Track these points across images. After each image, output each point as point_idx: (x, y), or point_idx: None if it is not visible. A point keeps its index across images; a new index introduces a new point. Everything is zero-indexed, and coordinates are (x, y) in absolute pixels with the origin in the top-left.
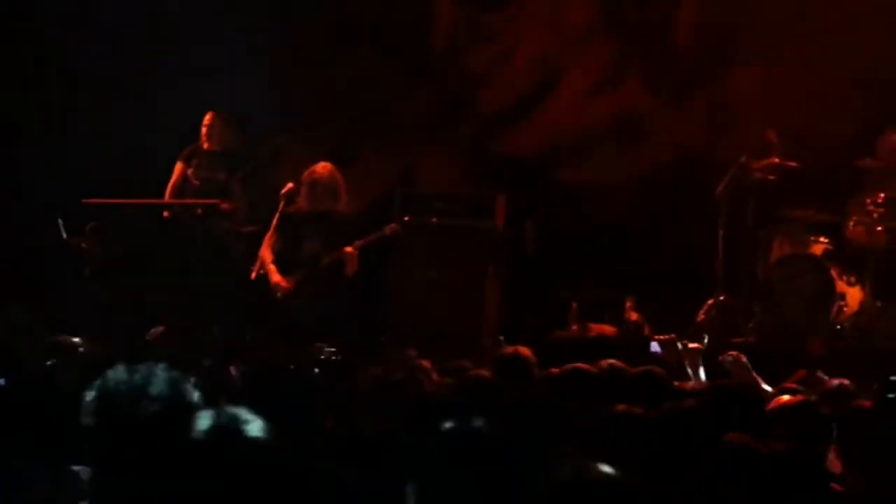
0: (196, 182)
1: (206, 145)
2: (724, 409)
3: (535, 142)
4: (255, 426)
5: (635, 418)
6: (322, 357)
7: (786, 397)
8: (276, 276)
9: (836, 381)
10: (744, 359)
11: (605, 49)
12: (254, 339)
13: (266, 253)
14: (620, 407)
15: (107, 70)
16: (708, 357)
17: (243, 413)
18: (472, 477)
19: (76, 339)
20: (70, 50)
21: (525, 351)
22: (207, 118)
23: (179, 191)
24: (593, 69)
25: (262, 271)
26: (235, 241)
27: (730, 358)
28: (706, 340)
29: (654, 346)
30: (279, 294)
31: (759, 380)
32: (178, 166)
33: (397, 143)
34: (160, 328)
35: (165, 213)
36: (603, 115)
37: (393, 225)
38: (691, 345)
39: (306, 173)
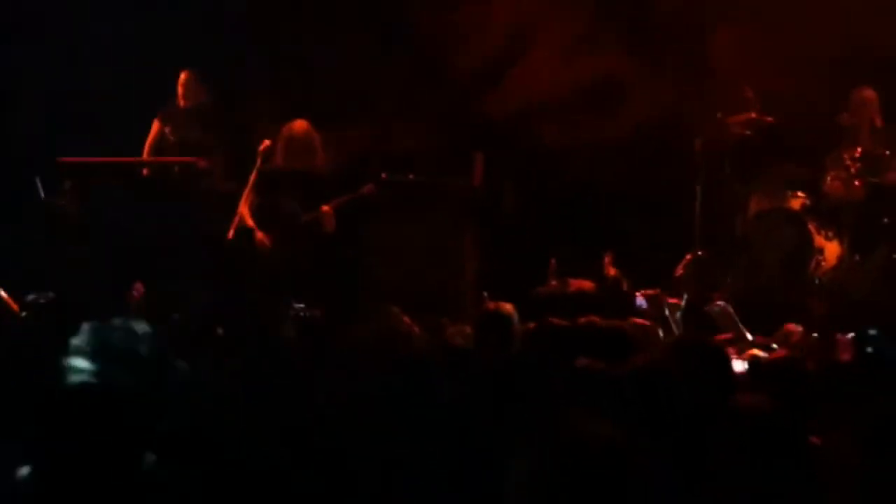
0: (172, 140)
1: (181, 103)
2: (688, 366)
3: (513, 103)
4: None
5: (599, 373)
6: (296, 315)
7: (766, 355)
8: (258, 234)
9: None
10: (730, 309)
11: (582, 9)
12: (233, 297)
13: (244, 210)
14: (582, 362)
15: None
16: (688, 311)
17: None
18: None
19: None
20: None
21: (507, 307)
22: (183, 76)
23: (157, 149)
24: (569, 29)
25: (241, 227)
26: (213, 199)
27: (716, 308)
28: (685, 297)
29: (640, 301)
30: (263, 248)
31: (745, 330)
32: (155, 125)
33: (374, 106)
34: (139, 286)
35: (144, 171)
36: (580, 75)
37: (370, 185)
38: (671, 300)
39: (283, 130)
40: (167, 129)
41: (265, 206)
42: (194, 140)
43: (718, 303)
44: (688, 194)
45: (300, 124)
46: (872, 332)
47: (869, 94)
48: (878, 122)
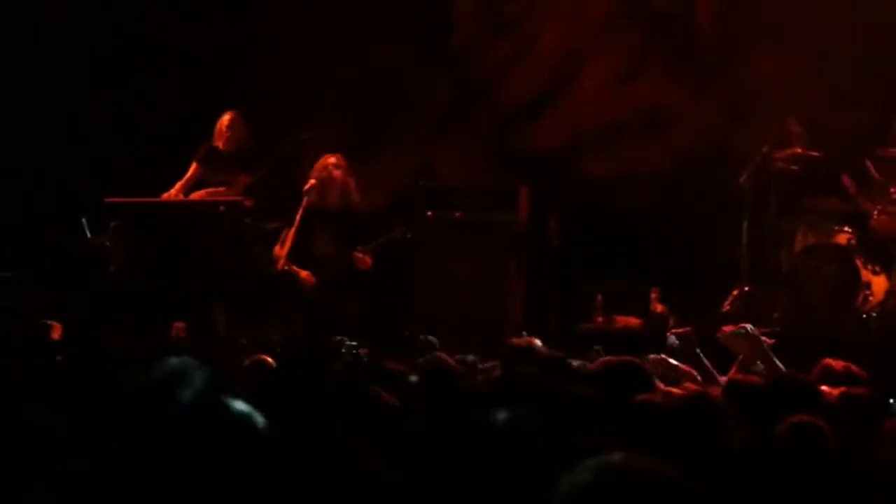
0: (211, 181)
1: (221, 145)
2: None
3: (557, 134)
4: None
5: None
6: (345, 351)
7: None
8: (302, 273)
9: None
10: (756, 331)
11: (627, 39)
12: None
13: (281, 249)
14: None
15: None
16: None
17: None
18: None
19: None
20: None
21: (536, 343)
22: (227, 118)
23: (191, 189)
24: (615, 59)
25: (285, 268)
26: (258, 238)
27: (742, 330)
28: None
29: (672, 339)
30: (305, 288)
31: (775, 359)
32: (194, 165)
33: (418, 136)
34: (181, 324)
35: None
36: (625, 105)
37: (402, 228)
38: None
39: (317, 168)
40: (206, 170)
41: (301, 245)
42: (234, 183)
43: (745, 325)
44: (734, 229)
45: (335, 162)
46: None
47: None
48: None
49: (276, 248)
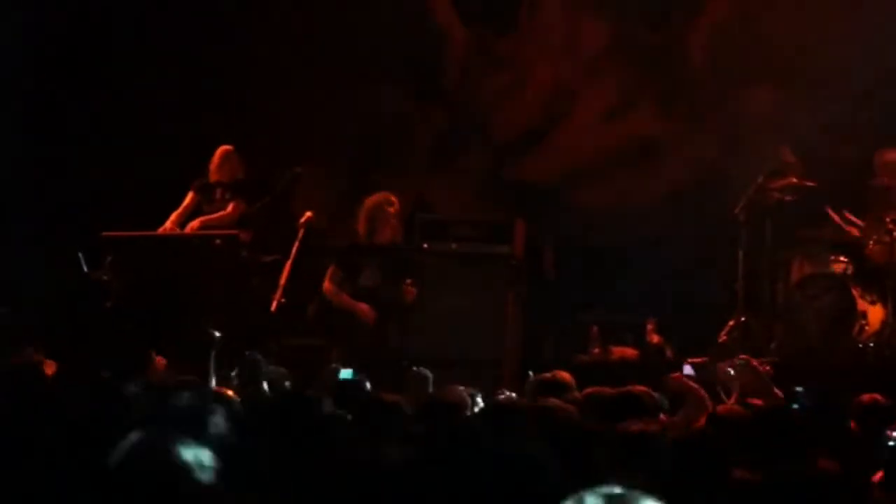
0: (207, 212)
1: (218, 177)
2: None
3: (551, 167)
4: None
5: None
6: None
7: None
8: (363, 305)
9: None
10: (755, 362)
11: (619, 73)
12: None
13: (328, 283)
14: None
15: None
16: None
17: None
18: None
19: None
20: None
21: (565, 375)
22: (221, 152)
23: (187, 220)
24: (608, 93)
25: (282, 301)
26: (255, 271)
27: (740, 362)
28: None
29: (687, 370)
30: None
31: (775, 388)
32: (190, 195)
33: (412, 169)
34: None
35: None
36: (618, 138)
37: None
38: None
39: (371, 202)
40: (203, 200)
41: (347, 280)
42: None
43: (742, 356)
44: (730, 259)
45: (388, 196)
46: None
47: (893, 156)
48: None
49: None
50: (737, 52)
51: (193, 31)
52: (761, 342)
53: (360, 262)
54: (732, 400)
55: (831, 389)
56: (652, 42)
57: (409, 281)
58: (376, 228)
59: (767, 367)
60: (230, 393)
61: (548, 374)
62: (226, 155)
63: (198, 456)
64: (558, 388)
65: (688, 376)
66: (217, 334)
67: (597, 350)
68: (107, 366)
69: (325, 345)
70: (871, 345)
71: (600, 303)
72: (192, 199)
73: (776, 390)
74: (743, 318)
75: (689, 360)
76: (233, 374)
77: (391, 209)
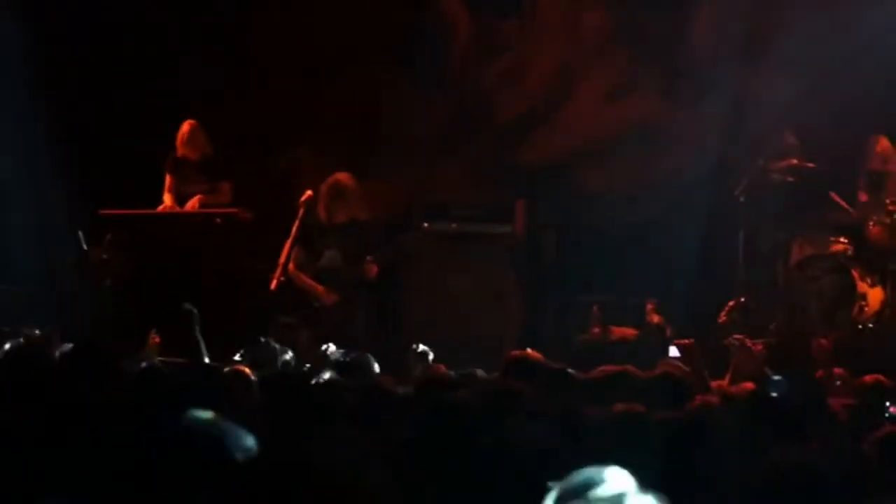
0: (184, 193)
1: (184, 152)
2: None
3: (553, 149)
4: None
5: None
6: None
7: None
8: (319, 287)
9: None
10: (748, 342)
11: (621, 55)
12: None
13: (291, 264)
14: (619, 407)
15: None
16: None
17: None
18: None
19: None
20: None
21: (534, 355)
22: (186, 127)
23: (175, 199)
24: (609, 75)
25: (282, 279)
26: (254, 250)
27: (735, 342)
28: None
29: (673, 351)
30: (325, 304)
31: (768, 370)
32: (168, 178)
33: (415, 153)
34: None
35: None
36: (620, 120)
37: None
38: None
39: (327, 184)
40: (177, 180)
41: (307, 259)
42: (203, 191)
43: (737, 336)
44: (730, 240)
45: (343, 177)
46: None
47: (884, 142)
48: None
49: (282, 258)
50: (738, 35)
51: (189, 11)
52: (761, 323)
53: (321, 245)
54: (726, 381)
55: (810, 375)
56: (653, 26)
57: (369, 258)
58: (334, 210)
59: (759, 347)
60: (247, 371)
61: (518, 353)
62: (192, 130)
63: (238, 436)
64: (529, 368)
65: (673, 358)
66: (194, 310)
67: (597, 330)
68: (106, 345)
69: (295, 323)
70: (871, 326)
71: (601, 283)
72: (171, 180)
73: (769, 372)
74: (743, 299)
75: (676, 342)
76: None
77: (347, 190)
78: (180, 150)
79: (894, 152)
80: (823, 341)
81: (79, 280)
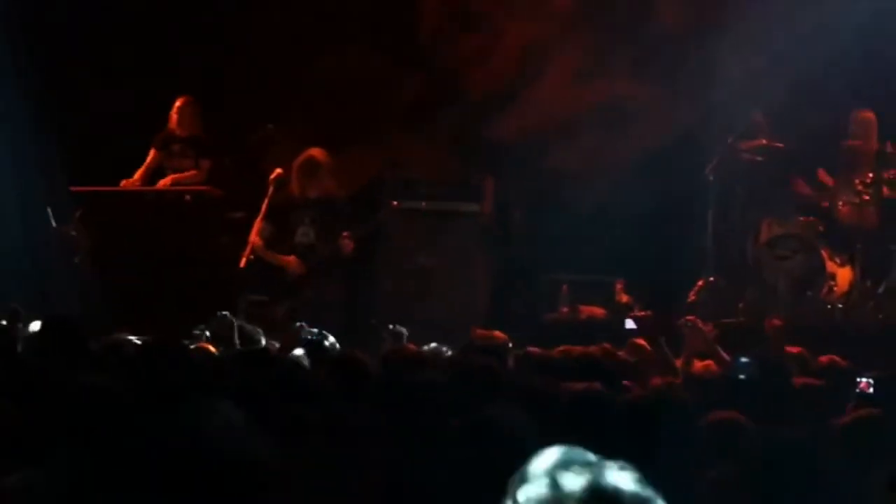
0: (169, 169)
1: (174, 128)
2: None
3: (522, 127)
4: None
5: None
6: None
7: None
8: (286, 259)
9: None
10: (700, 324)
11: (590, 34)
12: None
13: (257, 239)
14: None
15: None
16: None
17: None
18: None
19: None
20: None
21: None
22: (179, 102)
23: (151, 176)
24: (579, 53)
25: (251, 257)
26: (225, 227)
27: (688, 323)
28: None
29: (630, 324)
30: (293, 275)
31: (720, 350)
32: (152, 152)
33: (384, 130)
34: None
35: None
36: (590, 99)
37: (385, 213)
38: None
39: (299, 160)
40: (164, 156)
41: (278, 235)
42: (189, 169)
43: (689, 317)
44: (699, 219)
45: (317, 153)
46: (745, 359)
47: (869, 115)
48: (882, 146)
49: (251, 236)
50: (709, 14)
51: None
52: (730, 302)
53: (294, 221)
54: (679, 362)
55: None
56: (623, 3)
57: (345, 234)
58: (307, 186)
59: (711, 328)
60: (211, 349)
61: (484, 333)
62: (183, 105)
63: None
64: (494, 347)
65: (630, 330)
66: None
67: (566, 309)
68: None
69: (266, 301)
70: (840, 306)
71: (570, 262)
72: (155, 156)
73: (721, 352)
74: (712, 279)
75: (631, 315)
76: (203, 331)
77: (320, 166)
78: (170, 125)
79: (875, 128)
80: (776, 321)
81: (47, 256)
